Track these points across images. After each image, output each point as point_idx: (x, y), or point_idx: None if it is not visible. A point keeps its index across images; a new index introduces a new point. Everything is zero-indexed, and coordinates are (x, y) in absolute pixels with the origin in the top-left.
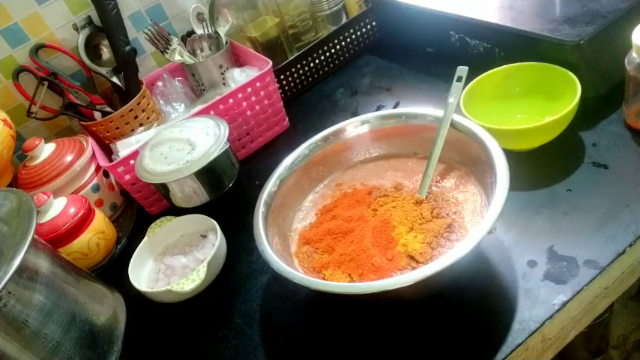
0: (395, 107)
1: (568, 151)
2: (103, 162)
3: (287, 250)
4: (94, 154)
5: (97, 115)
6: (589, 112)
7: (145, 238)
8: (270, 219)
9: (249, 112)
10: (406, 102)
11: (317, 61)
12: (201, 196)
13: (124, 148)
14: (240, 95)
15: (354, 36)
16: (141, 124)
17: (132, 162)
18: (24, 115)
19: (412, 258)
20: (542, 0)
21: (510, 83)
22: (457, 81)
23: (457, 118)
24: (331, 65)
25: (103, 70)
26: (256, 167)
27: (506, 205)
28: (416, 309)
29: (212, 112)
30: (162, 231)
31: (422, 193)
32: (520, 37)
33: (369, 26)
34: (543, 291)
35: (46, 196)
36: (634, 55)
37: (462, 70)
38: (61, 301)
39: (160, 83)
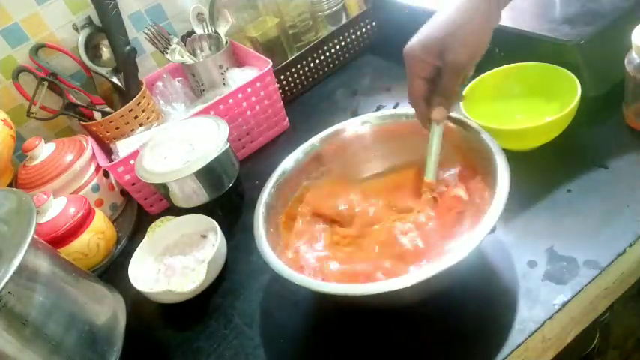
0: (395, 107)
1: (568, 151)
2: (103, 162)
3: None
4: (94, 154)
5: (97, 115)
6: (589, 112)
7: (145, 238)
8: (271, 219)
9: (249, 112)
10: (406, 102)
11: (317, 61)
12: (201, 196)
13: (123, 148)
14: (240, 95)
15: (354, 36)
16: (141, 124)
17: (132, 162)
18: (24, 115)
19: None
20: (542, 0)
21: (510, 83)
22: None
23: (457, 117)
24: (331, 65)
25: (103, 70)
26: (256, 167)
27: (506, 205)
28: (416, 308)
29: (212, 112)
30: (162, 231)
31: (429, 177)
32: (520, 37)
33: (368, 26)
34: (543, 291)
35: (46, 196)
36: (634, 55)
37: None
38: (61, 301)
39: (159, 83)
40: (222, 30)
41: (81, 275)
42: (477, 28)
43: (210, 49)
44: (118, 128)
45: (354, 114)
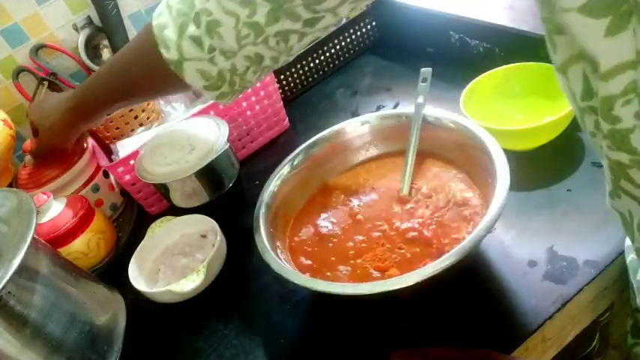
0: (395, 107)
1: (568, 151)
2: (103, 162)
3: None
4: (94, 154)
5: None
6: None
7: (145, 238)
8: (271, 219)
9: (249, 112)
10: (406, 102)
11: (317, 61)
12: (201, 196)
13: (123, 148)
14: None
15: (354, 36)
16: (141, 124)
17: (132, 162)
18: (24, 115)
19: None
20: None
21: (510, 83)
22: (422, 82)
23: (457, 117)
24: (331, 65)
25: None
26: (256, 167)
27: (506, 205)
28: (415, 309)
29: (212, 112)
30: (162, 231)
31: (405, 191)
32: (520, 37)
33: (369, 26)
34: (543, 291)
35: (46, 196)
36: None
37: (427, 72)
38: (61, 301)
39: None
40: None
41: (81, 275)
42: (61, 127)
43: None
44: (118, 128)
45: (354, 114)
